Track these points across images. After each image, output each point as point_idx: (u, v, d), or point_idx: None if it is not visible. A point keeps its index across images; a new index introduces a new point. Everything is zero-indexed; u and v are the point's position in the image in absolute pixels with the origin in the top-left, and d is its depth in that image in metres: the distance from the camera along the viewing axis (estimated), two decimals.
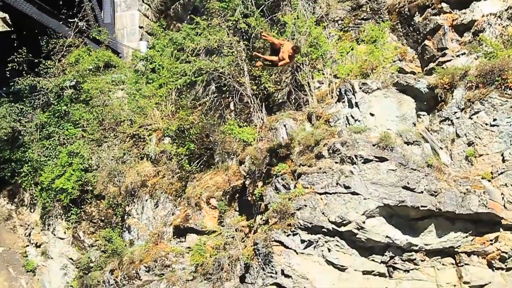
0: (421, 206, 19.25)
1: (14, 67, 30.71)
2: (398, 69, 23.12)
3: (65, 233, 29.71)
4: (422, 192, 19.32)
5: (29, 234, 30.38)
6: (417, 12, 23.92)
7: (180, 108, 27.90)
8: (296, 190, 20.37)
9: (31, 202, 30.99)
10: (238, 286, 21.95)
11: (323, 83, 24.04)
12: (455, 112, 20.60)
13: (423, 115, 21.25)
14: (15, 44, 31.18)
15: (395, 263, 19.87)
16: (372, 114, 20.84)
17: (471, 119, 20.26)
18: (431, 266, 19.86)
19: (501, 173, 19.70)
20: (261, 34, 22.97)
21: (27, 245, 30.34)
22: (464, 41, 22.78)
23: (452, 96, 20.73)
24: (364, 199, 19.41)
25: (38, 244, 30.16)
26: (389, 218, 19.59)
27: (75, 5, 32.02)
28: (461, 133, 20.39)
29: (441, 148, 20.60)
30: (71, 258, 29.42)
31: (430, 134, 20.79)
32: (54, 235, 29.91)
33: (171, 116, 28.11)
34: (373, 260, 19.88)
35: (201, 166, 26.48)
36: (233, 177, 24.87)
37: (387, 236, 19.56)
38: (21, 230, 30.48)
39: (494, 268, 19.59)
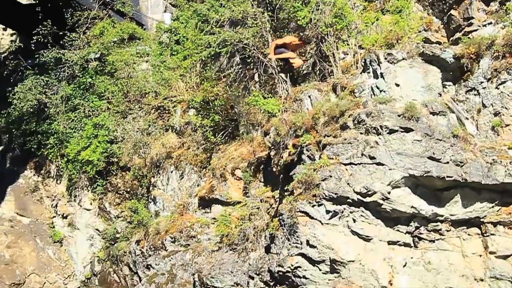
0: (447, 177, 19.16)
1: (39, 39, 30.87)
2: (424, 39, 22.91)
3: (91, 204, 29.98)
4: (447, 162, 19.23)
5: (56, 206, 30.66)
6: None
7: (205, 79, 27.93)
8: (321, 161, 20.35)
9: (58, 173, 31.26)
10: (264, 256, 22.08)
11: (348, 54, 23.91)
12: (481, 82, 20.42)
13: (449, 85, 21.10)
14: (40, 17, 31.28)
15: (421, 234, 19.86)
16: (397, 85, 20.71)
17: (498, 89, 20.06)
18: (457, 236, 19.83)
19: None
20: (269, 58, 23.15)
21: (54, 216, 30.64)
22: (490, 10, 22.49)
23: (479, 66, 20.54)
24: (390, 169, 19.35)
25: (64, 215, 30.46)
26: (414, 189, 19.54)
27: None
28: (487, 103, 20.23)
29: (467, 119, 20.46)
30: (97, 229, 29.71)
31: (456, 104, 20.65)
32: (81, 206, 30.19)
33: (196, 87, 28.18)
34: (398, 230, 19.87)
35: (226, 138, 26.55)
36: (258, 148, 24.93)
37: (412, 207, 19.53)
38: (48, 201, 30.76)
39: None
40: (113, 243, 28.72)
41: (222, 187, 25.17)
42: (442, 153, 19.30)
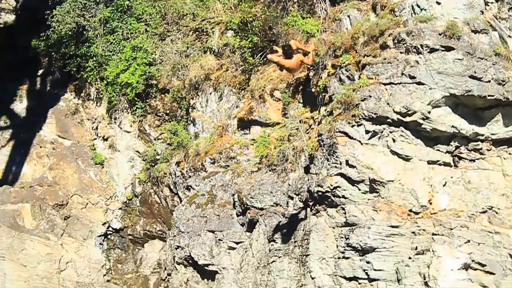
0: (488, 96, 18.99)
1: None
2: None
3: (131, 126, 30.21)
4: (489, 81, 19.02)
5: (96, 128, 30.95)
6: None
7: (243, 0, 27.64)
8: (360, 81, 20.25)
9: (97, 96, 31.46)
10: (303, 177, 22.21)
11: None
12: None
13: (491, 3, 20.67)
14: None
15: (461, 153, 19.80)
16: (438, 3, 20.32)
17: None
18: (497, 156, 19.75)
19: None
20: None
21: (95, 139, 30.96)
22: None
23: None
24: (430, 89, 19.20)
25: (105, 138, 30.76)
26: (455, 108, 19.41)
27: None
28: None
29: (510, 36, 20.12)
30: (137, 151, 29.99)
31: (498, 22, 20.29)
32: (121, 128, 30.44)
33: (234, 9, 27.90)
34: (438, 150, 19.82)
35: (265, 59, 26.37)
36: None
37: (452, 126, 19.43)
38: (88, 123, 31.06)
39: None
40: (153, 164, 29.03)
41: (261, 109, 25.17)
42: (484, 72, 19.08)
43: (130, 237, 29.43)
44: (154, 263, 28.16)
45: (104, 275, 28.88)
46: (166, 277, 26.23)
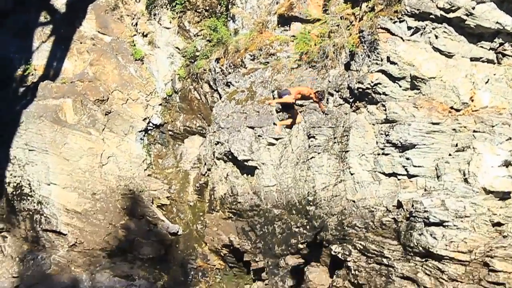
0: None
1: None
2: None
3: (170, 22, 30.06)
4: None
5: (136, 24, 30.83)
6: None
7: None
8: None
9: None
10: (343, 74, 22.17)
11: None
12: None
13: None
14: None
15: (505, 50, 19.59)
16: None
17: None
18: None
19: None
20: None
21: (135, 35, 30.85)
22: None
23: None
24: None
25: (145, 34, 30.68)
26: (500, 4, 19.06)
27: None
28: None
29: None
30: (177, 47, 29.94)
31: None
32: (160, 24, 30.32)
33: None
34: (481, 46, 19.61)
35: None
36: None
37: (497, 22, 19.14)
38: (128, 19, 30.91)
39: None
40: (193, 61, 29.04)
41: (302, 5, 24.88)
42: None
43: (170, 132, 29.74)
44: (194, 158, 28.50)
45: (145, 169, 29.34)
46: (206, 172, 26.65)
